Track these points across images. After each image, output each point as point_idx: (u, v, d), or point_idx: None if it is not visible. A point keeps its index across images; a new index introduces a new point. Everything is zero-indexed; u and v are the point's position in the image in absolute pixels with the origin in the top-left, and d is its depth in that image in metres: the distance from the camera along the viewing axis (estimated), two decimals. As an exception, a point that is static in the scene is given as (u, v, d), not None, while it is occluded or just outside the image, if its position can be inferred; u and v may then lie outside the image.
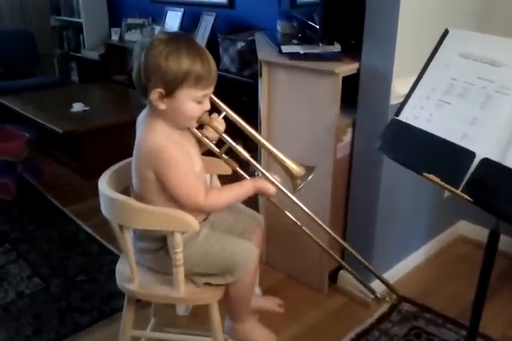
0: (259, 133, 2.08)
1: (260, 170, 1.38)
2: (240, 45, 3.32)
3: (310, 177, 1.35)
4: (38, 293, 2.17)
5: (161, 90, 1.23)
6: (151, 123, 1.30)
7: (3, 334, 1.92)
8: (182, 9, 4.10)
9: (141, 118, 1.36)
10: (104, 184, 1.35)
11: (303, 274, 2.22)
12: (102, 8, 5.05)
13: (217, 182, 1.63)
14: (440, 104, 1.24)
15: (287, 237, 2.15)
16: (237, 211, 1.55)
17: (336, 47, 1.97)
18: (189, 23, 4.03)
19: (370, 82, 1.85)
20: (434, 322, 1.98)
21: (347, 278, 1.60)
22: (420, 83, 1.31)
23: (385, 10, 1.71)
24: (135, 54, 1.26)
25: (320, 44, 1.99)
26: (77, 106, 3.61)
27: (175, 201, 1.30)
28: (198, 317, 1.91)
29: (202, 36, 3.76)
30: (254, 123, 1.93)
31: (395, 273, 2.21)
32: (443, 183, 1.14)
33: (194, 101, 1.26)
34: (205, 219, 1.43)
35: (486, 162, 1.10)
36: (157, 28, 4.31)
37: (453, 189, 1.12)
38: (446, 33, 1.30)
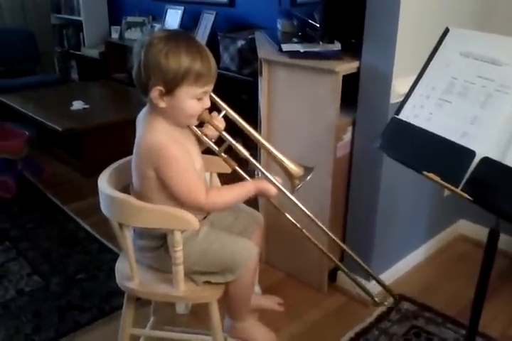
0: (259, 131, 2.09)
1: (260, 169, 1.38)
2: (240, 43, 3.31)
3: (308, 178, 1.35)
4: (38, 291, 2.17)
5: (161, 88, 1.23)
6: (152, 121, 1.30)
7: (3, 332, 1.92)
8: (182, 7, 4.09)
9: (142, 116, 1.36)
10: (104, 182, 1.35)
11: (302, 273, 2.22)
12: (102, 6, 5.06)
13: (216, 180, 1.63)
14: (440, 103, 1.24)
15: (287, 236, 2.15)
16: (237, 210, 1.55)
17: (336, 46, 1.97)
18: (189, 22, 4.02)
19: (370, 81, 1.85)
20: (433, 321, 1.98)
21: (346, 278, 1.60)
22: (420, 82, 1.31)
23: (385, 9, 1.71)
24: (135, 52, 1.26)
25: (320, 42, 1.99)
26: (77, 105, 3.60)
27: (175, 199, 1.30)
28: (198, 315, 1.91)
29: (202, 34, 3.76)
30: (254, 122, 1.94)
31: (394, 272, 2.21)
32: (443, 182, 1.14)
33: (194, 98, 1.26)
34: (204, 218, 1.43)
35: (486, 161, 1.10)
36: (157, 27, 4.31)
37: (453, 188, 1.12)
38: (446, 31, 1.30)
